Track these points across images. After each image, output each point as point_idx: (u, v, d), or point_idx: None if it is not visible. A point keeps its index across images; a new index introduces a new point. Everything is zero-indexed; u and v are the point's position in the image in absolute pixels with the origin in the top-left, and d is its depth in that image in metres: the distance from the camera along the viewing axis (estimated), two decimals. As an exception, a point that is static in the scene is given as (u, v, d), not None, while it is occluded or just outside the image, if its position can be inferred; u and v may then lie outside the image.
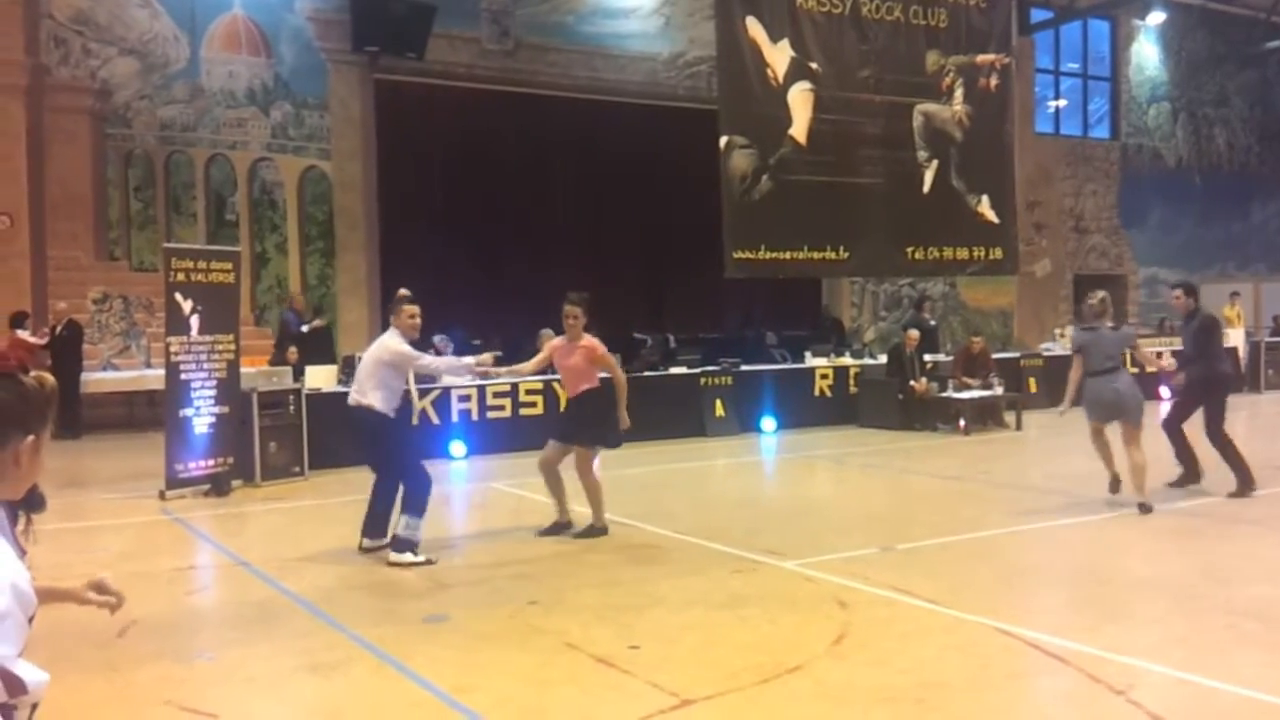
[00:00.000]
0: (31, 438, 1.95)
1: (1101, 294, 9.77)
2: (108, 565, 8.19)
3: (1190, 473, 10.36)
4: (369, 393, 8.13)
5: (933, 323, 18.84)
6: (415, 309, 8.39)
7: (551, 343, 9.11)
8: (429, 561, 7.89)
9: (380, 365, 8.19)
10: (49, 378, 1.97)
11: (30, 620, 1.82)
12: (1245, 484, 9.91)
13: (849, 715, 4.84)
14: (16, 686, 1.67)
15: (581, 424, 8.84)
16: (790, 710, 4.88)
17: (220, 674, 5.63)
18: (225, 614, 7.02)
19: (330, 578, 7.59)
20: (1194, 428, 10.20)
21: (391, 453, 8.35)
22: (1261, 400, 19.49)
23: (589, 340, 8.75)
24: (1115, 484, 9.71)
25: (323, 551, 8.38)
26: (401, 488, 8.18)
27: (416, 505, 8.03)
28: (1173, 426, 10.35)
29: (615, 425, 8.73)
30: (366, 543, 8.32)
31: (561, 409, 11.38)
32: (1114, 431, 9.60)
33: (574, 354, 8.77)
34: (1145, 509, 9.11)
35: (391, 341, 8.26)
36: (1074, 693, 5.05)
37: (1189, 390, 10.18)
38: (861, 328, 23.46)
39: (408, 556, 7.88)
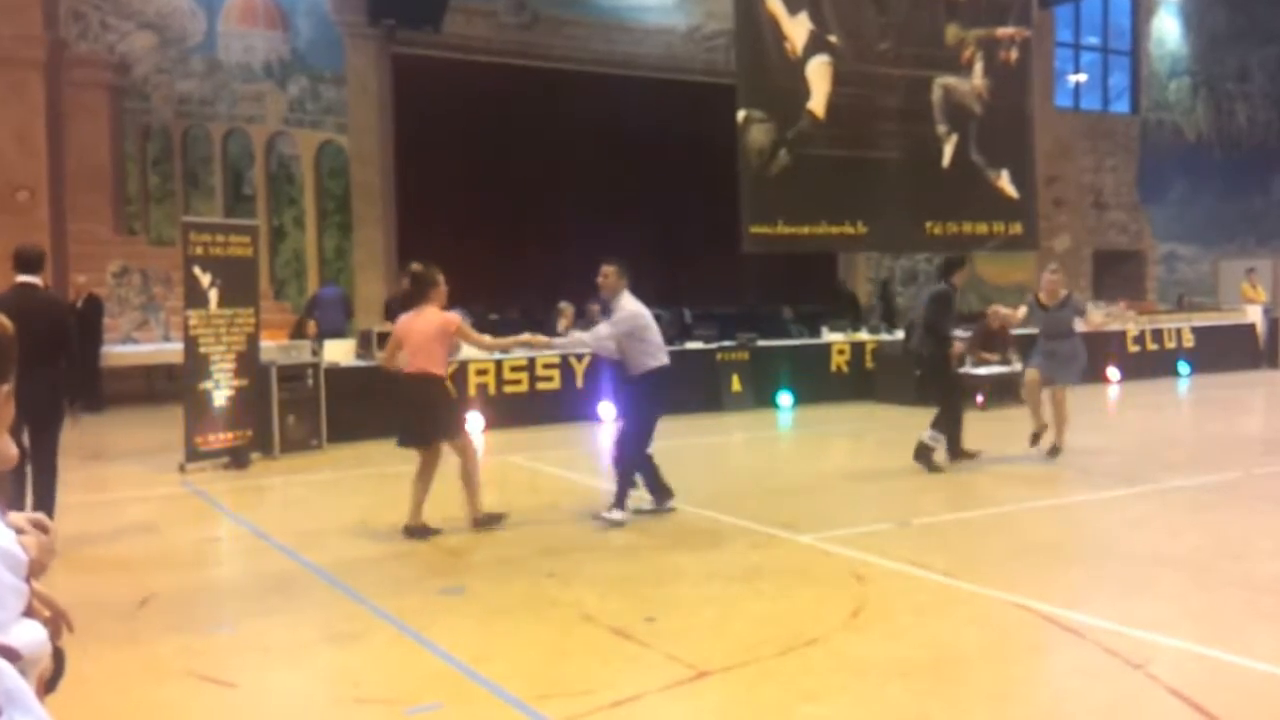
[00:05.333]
0: (7, 386, 1.87)
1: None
2: (129, 537, 8.28)
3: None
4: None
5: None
6: None
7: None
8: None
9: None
10: (4, 320, 1.85)
11: (27, 580, 1.73)
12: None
13: (866, 687, 4.86)
14: (11, 655, 1.59)
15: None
16: (807, 682, 4.91)
17: (240, 645, 5.69)
18: (245, 585, 7.06)
19: (349, 550, 7.64)
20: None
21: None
22: (1278, 376, 19.39)
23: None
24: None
25: (341, 524, 8.43)
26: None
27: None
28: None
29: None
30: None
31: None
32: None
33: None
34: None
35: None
36: (1090, 666, 5.06)
37: None
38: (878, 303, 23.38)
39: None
